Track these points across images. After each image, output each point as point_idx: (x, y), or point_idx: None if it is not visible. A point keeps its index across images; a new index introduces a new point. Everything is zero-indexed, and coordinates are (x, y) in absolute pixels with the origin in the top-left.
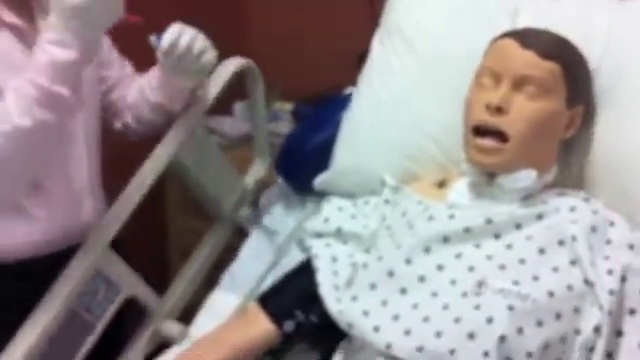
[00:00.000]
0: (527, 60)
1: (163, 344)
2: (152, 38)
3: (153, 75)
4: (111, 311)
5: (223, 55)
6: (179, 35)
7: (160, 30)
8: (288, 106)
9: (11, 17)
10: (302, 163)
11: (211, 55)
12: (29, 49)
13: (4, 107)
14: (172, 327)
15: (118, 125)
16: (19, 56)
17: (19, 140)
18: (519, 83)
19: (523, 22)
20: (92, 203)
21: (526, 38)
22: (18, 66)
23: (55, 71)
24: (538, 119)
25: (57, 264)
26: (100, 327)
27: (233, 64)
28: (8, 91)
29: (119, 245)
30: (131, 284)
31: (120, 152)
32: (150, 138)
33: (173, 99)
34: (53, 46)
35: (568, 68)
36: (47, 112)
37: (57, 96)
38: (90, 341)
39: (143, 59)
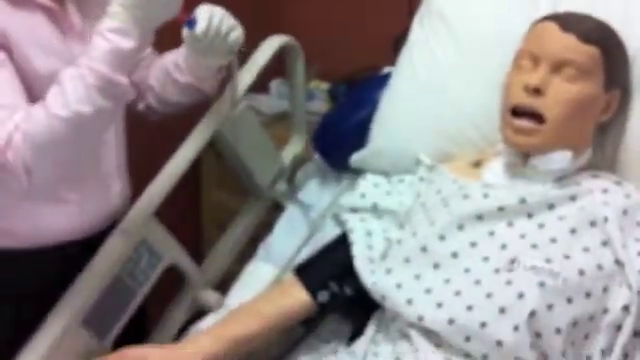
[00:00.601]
0: (567, 44)
1: (198, 313)
2: None
3: (179, 56)
4: (153, 278)
5: (259, 34)
6: (211, 18)
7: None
8: (324, 85)
9: None
10: (340, 140)
11: (238, 33)
12: (61, 32)
13: (62, 93)
14: (210, 296)
15: (140, 106)
16: (54, 39)
17: (78, 126)
18: (558, 66)
19: (564, 6)
20: (119, 187)
21: (566, 22)
22: (54, 49)
23: (116, 59)
24: (575, 101)
25: (87, 250)
26: (142, 293)
27: (276, 41)
28: (64, 77)
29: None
30: (173, 253)
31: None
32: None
33: (202, 79)
34: (114, 34)
35: (607, 52)
36: (106, 99)
37: (117, 84)
38: (132, 307)
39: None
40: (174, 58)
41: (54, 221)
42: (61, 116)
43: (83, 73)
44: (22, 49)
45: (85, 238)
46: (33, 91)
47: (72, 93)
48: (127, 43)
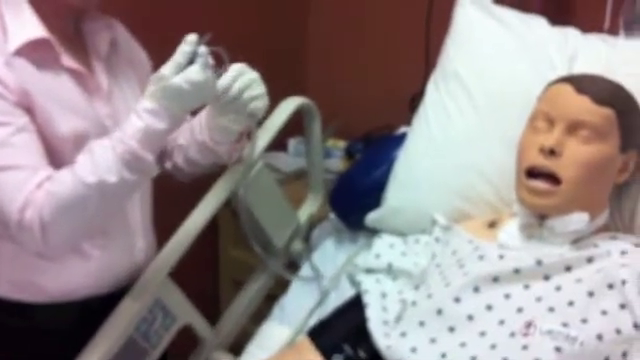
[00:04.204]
0: (582, 105)
1: None
2: None
3: (203, 114)
4: (166, 339)
5: (279, 92)
6: (236, 79)
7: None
8: (341, 144)
9: (70, 62)
10: (356, 200)
11: (261, 104)
12: (87, 93)
13: (91, 160)
14: (223, 358)
15: (168, 165)
16: (79, 100)
17: (102, 193)
18: (573, 127)
19: (580, 66)
20: (144, 244)
21: (581, 84)
22: (79, 110)
23: (146, 137)
24: (591, 163)
25: (108, 306)
26: (155, 355)
27: (293, 102)
28: (96, 146)
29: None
30: (187, 313)
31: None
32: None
33: (218, 141)
34: (148, 115)
35: (622, 114)
36: (131, 173)
37: (143, 160)
38: None
39: None
40: (201, 116)
41: (77, 277)
42: (87, 182)
43: (114, 145)
44: (45, 110)
45: (108, 293)
46: (56, 152)
47: (101, 161)
48: (159, 124)
